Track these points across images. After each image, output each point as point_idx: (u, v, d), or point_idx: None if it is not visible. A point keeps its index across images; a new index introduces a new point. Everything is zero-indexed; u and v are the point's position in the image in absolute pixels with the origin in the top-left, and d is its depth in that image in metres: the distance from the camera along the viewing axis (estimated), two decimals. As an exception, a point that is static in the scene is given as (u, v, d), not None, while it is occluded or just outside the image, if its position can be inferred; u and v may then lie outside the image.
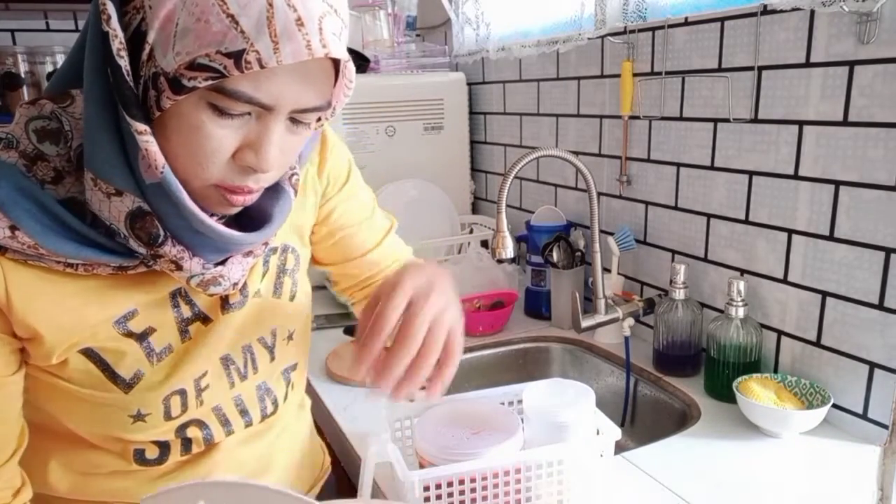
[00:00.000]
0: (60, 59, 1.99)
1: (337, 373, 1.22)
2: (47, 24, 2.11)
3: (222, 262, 0.64)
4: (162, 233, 0.58)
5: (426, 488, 0.74)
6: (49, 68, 1.98)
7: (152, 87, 0.54)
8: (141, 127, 0.54)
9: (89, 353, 0.63)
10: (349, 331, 1.39)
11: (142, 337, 0.65)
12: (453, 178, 1.86)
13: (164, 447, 0.71)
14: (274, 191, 0.66)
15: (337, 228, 0.84)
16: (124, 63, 0.53)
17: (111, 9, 0.52)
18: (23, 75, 1.97)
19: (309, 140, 0.73)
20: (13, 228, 0.56)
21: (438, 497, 0.74)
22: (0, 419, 0.63)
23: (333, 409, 1.11)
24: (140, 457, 0.71)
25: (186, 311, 0.68)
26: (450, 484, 0.74)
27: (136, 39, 0.54)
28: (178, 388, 0.68)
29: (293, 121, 0.58)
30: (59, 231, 0.57)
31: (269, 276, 0.75)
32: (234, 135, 0.56)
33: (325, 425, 1.14)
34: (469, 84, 1.86)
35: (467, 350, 1.36)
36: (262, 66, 0.51)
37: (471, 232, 1.75)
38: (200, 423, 0.72)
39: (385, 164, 1.75)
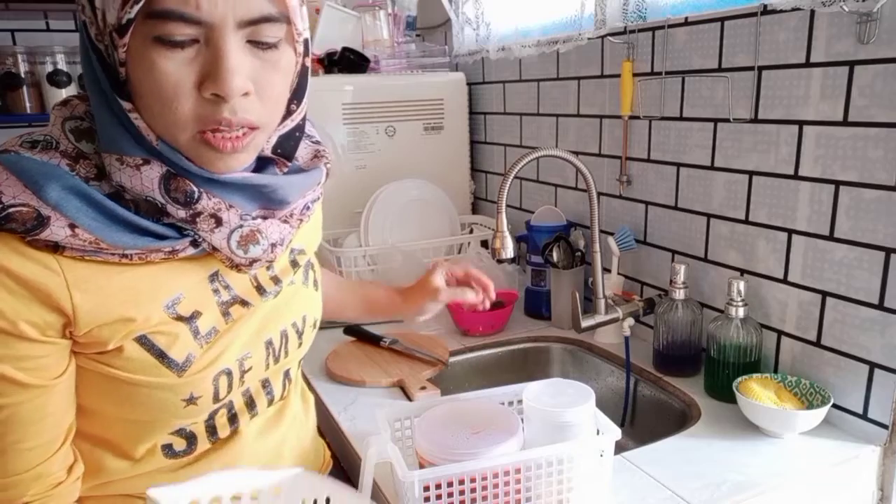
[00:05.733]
0: (60, 59, 1.98)
1: (337, 373, 1.22)
2: (47, 24, 2.11)
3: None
4: (196, 189, 0.61)
5: (426, 488, 0.74)
6: (49, 68, 1.98)
7: (114, 51, 0.56)
8: (127, 104, 0.58)
9: (143, 341, 0.65)
10: (349, 331, 1.39)
11: (190, 320, 0.67)
12: (453, 178, 1.86)
13: (191, 437, 0.73)
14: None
15: None
16: (103, 46, 0.57)
17: None
18: (23, 75, 1.97)
19: (328, 140, 0.77)
20: (73, 227, 0.58)
21: (438, 497, 0.74)
22: (54, 414, 0.65)
23: (333, 409, 1.11)
24: (169, 451, 0.73)
25: (225, 295, 0.70)
26: (450, 484, 0.74)
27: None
28: (224, 368, 0.70)
29: (253, 43, 0.59)
30: (115, 224, 0.59)
31: (300, 271, 0.79)
32: (190, 67, 0.57)
33: (325, 425, 1.14)
34: (469, 84, 1.86)
35: (467, 350, 1.36)
36: None
37: (471, 232, 1.75)
38: (230, 405, 0.74)
39: (385, 164, 1.75)
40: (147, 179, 0.60)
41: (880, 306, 0.92)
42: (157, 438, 0.72)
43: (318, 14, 1.77)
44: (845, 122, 0.93)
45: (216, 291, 0.69)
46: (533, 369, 1.40)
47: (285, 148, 0.69)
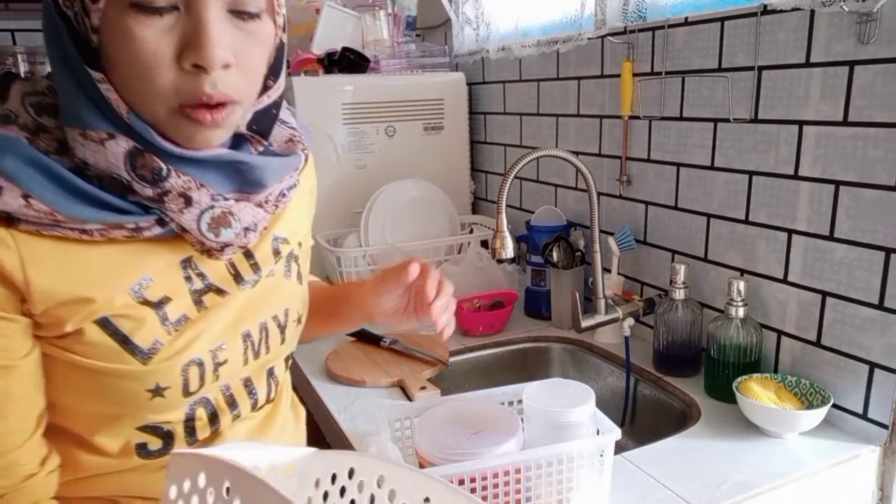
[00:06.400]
0: (60, 59, 1.99)
1: (337, 373, 1.22)
2: (47, 24, 2.11)
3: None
4: (164, 166, 0.59)
5: (426, 488, 0.74)
6: (49, 68, 1.98)
7: (85, 17, 0.55)
8: (97, 75, 0.55)
9: (105, 324, 0.62)
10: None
11: (158, 305, 0.64)
12: (453, 178, 1.86)
13: (167, 436, 0.69)
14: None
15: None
16: (72, 13, 0.54)
17: None
18: (23, 75, 1.97)
19: (308, 133, 0.76)
20: (27, 197, 0.55)
21: (438, 497, 0.74)
22: (20, 399, 0.62)
23: (333, 409, 1.11)
24: (143, 450, 0.69)
25: (198, 283, 0.67)
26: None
27: None
28: (195, 357, 0.67)
29: (234, 13, 0.58)
30: (74, 196, 0.57)
31: (281, 261, 0.76)
32: (169, 36, 0.55)
33: (324, 425, 1.14)
34: (469, 84, 1.86)
35: (467, 350, 1.36)
36: None
37: (471, 232, 1.75)
38: (209, 403, 0.71)
39: (385, 164, 1.75)
40: (112, 155, 0.57)
41: (880, 306, 0.92)
42: (127, 434, 0.68)
43: (318, 14, 1.77)
44: (845, 122, 0.93)
45: (188, 279, 0.66)
46: (533, 369, 1.40)
47: (261, 125, 0.67)
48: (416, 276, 0.82)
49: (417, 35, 2.07)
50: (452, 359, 1.31)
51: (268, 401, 0.78)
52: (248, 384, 0.74)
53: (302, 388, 1.30)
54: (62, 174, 0.57)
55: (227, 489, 0.44)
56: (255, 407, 0.76)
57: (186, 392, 0.67)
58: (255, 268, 0.71)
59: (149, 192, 0.59)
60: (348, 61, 1.71)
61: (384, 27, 1.84)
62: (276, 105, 0.68)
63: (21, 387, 0.62)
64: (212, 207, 0.62)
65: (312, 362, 1.27)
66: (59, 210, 0.56)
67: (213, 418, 0.72)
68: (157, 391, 0.65)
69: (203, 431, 0.71)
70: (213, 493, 0.45)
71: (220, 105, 0.58)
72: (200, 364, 0.67)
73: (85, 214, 0.57)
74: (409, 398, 1.14)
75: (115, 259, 0.61)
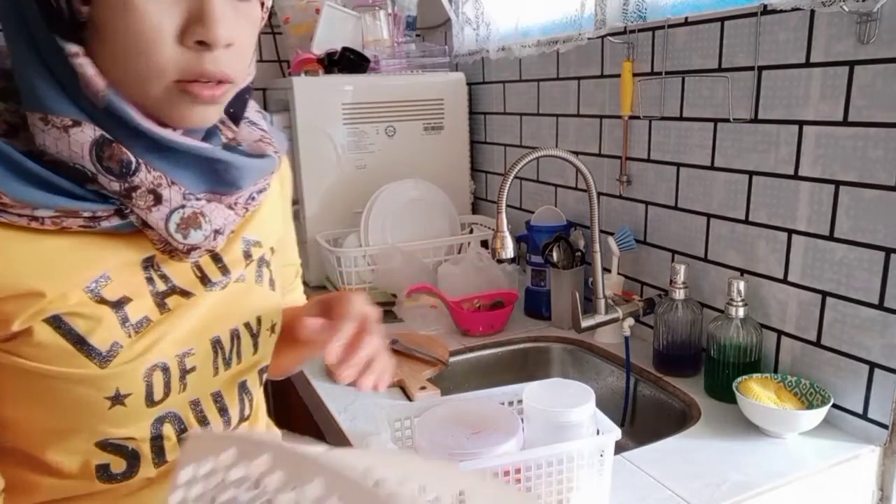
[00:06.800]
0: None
1: (337, 373, 1.21)
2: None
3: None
4: (133, 159, 0.55)
5: (426, 488, 0.74)
6: None
7: None
8: (73, 48, 0.51)
9: (57, 324, 0.56)
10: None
11: (117, 305, 0.59)
12: (453, 178, 1.86)
13: (132, 457, 0.63)
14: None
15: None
16: None
17: None
18: None
19: (281, 139, 0.73)
20: None
21: (438, 497, 0.74)
22: None
23: (333, 409, 1.11)
24: (104, 473, 0.62)
25: (161, 285, 0.62)
26: (450, 484, 0.74)
27: None
28: (159, 361, 0.61)
29: None
30: (22, 178, 0.52)
31: (252, 265, 0.71)
32: (172, 10, 0.52)
33: (324, 425, 1.14)
34: (469, 84, 1.86)
35: (467, 350, 1.36)
36: None
37: (471, 232, 1.75)
38: (178, 420, 0.65)
39: (385, 164, 1.75)
40: (75, 144, 0.53)
41: (880, 306, 0.92)
42: (85, 452, 0.61)
43: (318, 14, 1.77)
44: (845, 122, 0.93)
45: (150, 280, 0.61)
46: (533, 369, 1.40)
47: (237, 108, 0.65)
48: (311, 334, 0.68)
49: (417, 35, 2.07)
50: (452, 359, 1.31)
51: (241, 419, 0.73)
52: (218, 399, 0.69)
53: (302, 388, 1.30)
54: (10, 154, 0.52)
55: (264, 464, 0.38)
56: (228, 425, 0.70)
57: (150, 401, 0.61)
58: (224, 270, 0.67)
59: (115, 185, 0.55)
60: (348, 61, 1.71)
61: (384, 27, 1.84)
62: (249, 89, 0.67)
63: None
64: (182, 207, 0.59)
65: (312, 362, 1.27)
66: (4, 192, 0.52)
67: (185, 438, 0.65)
68: (118, 399, 0.59)
69: (172, 453, 0.65)
70: (243, 467, 0.39)
71: (219, 83, 0.56)
72: (165, 369, 0.62)
73: (35, 198, 0.53)
74: (409, 398, 1.14)
75: (68, 252, 0.57)
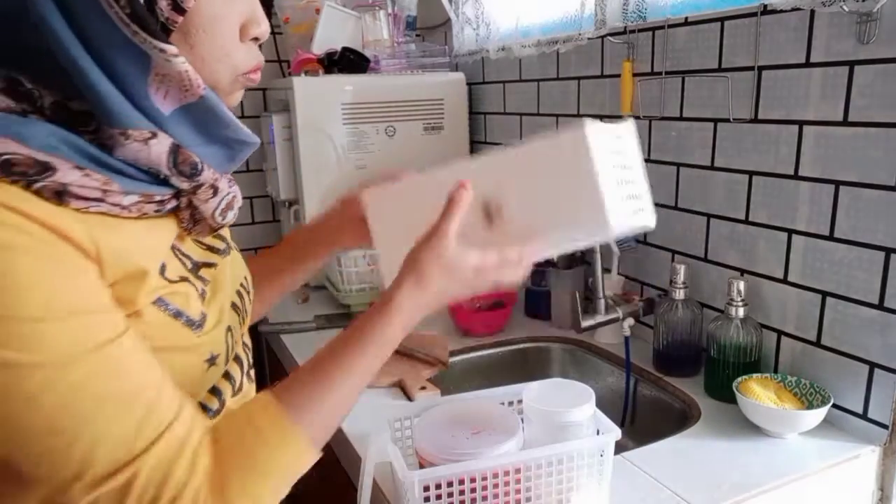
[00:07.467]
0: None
1: (337, 373, 1.21)
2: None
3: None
4: (198, 160, 0.60)
5: (426, 488, 0.74)
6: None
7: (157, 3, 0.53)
8: (173, 49, 0.54)
9: (161, 303, 0.59)
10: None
11: (186, 280, 0.63)
12: (453, 178, 1.86)
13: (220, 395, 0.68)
14: None
15: None
16: None
17: None
18: None
19: None
20: (80, 168, 0.52)
21: (438, 497, 0.75)
22: (147, 366, 0.56)
23: (333, 409, 1.11)
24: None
25: (188, 263, 0.65)
26: (450, 484, 0.74)
27: None
28: (227, 324, 0.68)
29: None
30: (109, 168, 0.55)
31: (227, 231, 0.75)
32: (236, 11, 0.59)
33: (325, 425, 1.14)
34: (469, 84, 1.86)
35: (467, 350, 1.36)
36: None
37: (471, 232, 1.75)
38: (229, 377, 0.69)
39: (385, 164, 1.75)
40: (155, 154, 0.56)
41: (880, 306, 0.92)
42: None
43: (318, 14, 1.77)
44: (845, 123, 0.93)
45: (181, 260, 0.64)
46: (533, 369, 1.40)
47: None
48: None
49: (417, 35, 2.07)
50: (452, 359, 1.31)
51: (249, 367, 0.76)
52: (237, 354, 0.73)
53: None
54: (87, 147, 0.54)
55: None
56: (244, 374, 0.73)
57: (227, 358, 0.69)
58: (222, 238, 0.72)
59: (185, 185, 0.60)
60: (348, 61, 1.71)
61: (384, 27, 1.84)
62: None
63: (143, 354, 0.56)
64: (228, 193, 0.65)
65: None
66: (111, 179, 0.54)
67: (234, 384, 0.70)
68: (212, 360, 0.65)
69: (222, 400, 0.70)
70: None
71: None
72: (229, 329, 0.69)
73: (128, 185, 0.56)
74: (409, 398, 1.14)
75: (146, 235, 0.59)
